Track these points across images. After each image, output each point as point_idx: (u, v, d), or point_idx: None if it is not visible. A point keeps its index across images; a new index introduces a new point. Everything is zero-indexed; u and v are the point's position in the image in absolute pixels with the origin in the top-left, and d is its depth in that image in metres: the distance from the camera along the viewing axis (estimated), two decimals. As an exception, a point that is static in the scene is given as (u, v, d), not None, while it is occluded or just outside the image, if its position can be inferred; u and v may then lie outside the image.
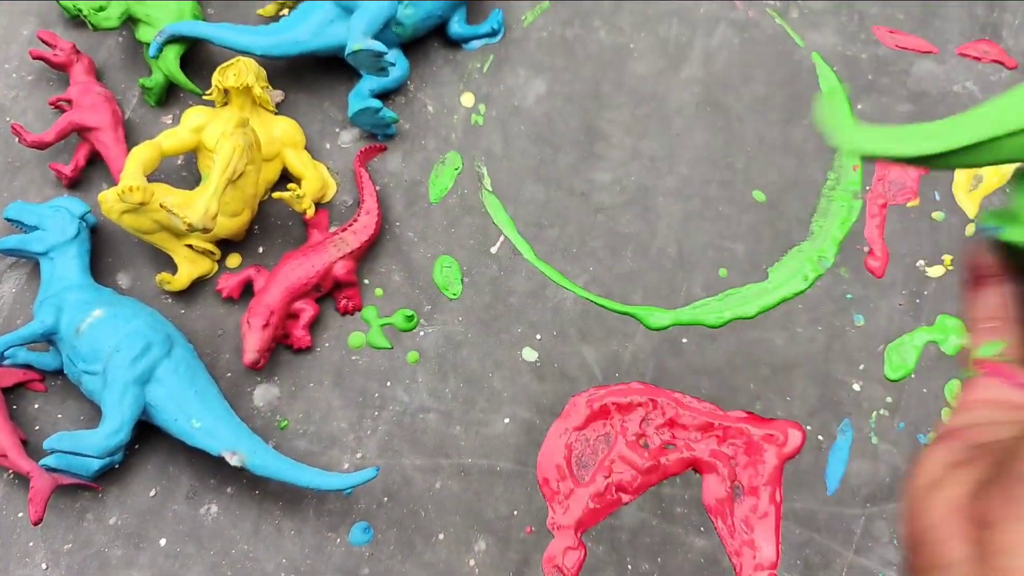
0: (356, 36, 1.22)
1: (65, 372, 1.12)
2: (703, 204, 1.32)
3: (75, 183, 1.28)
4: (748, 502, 1.16)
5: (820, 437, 1.19)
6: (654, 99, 1.38)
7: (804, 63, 1.40)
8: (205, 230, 1.11)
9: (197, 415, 1.08)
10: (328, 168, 1.31)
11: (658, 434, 1.19)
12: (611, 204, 1.31)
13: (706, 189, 1.33)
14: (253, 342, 1.14)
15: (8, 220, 1.20)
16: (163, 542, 1.11)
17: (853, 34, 1.42)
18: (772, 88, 1.38)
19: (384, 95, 1.33)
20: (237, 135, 1.13)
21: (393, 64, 1.26)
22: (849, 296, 1.27)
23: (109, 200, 1.12)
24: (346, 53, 1.24)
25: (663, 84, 1.39)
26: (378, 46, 1.22)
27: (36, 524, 1.04)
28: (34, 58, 1.29)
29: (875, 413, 1.21)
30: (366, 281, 1.25)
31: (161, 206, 1.10)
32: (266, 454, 1.08)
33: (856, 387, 1.22)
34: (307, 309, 1.19)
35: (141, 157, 1.14)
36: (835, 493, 1.17)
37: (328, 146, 1.33)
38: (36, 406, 1.17)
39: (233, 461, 1.06)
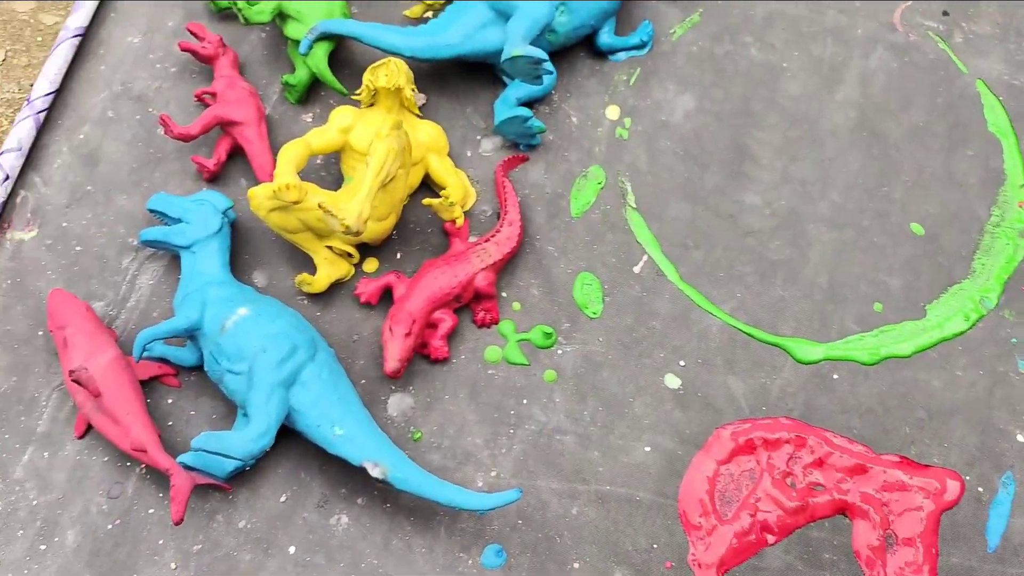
0: (515, 41, 1.19)
1: (206, 369, 1.10)
2: (857, 233, 1.25)
3: (215, 177, 1.27)
4: (902, 553, 1.09)
5: (980, 489, 1.12)
6: (807, 120, 1.32)
7: (968, 91, 1.33)
8: (356, 233, 1.08)
9: (340, 422, 1.05)
10: (468, 176, 1.27)
11: (806, 474, 1.13)
12: (760, 228, 1.25)
13: (860, 218, 1.26)
14: (395, 350, 1.10)
15: (151, 211, 1.19)
16: (292, 550, 1.08)
17: (1021, 63, 1.34)
18: (933, 116, 1.32)
19: (528, 104, 1.30)
20: (392, 137, 1.10)
21: (551, 72, 1.22)
22: (1014, 340, 1.19)
23: (259, 196, 1.10)
24: (503, 59, 1.21)
25: (816, 105, 1.33)
26: (538, 53, 1.18)
27: (178, 524, 1.01)
28: (182, 50, 1.28)
29: (1040, 467, 1.13)
30: (504, 294, 1.22)
31: (319, 206, 1.07)
32: (408, 467, 1.04)
33: (1020, 438, 1.14)
34: (446, 319, 1.16)
35: (292, 155, 1.12)
36: (996, 550, 1.09)
37: (469, 153, 1.29)
38: (170, 401, 1.15)
39: (375, 473, 1.03)
